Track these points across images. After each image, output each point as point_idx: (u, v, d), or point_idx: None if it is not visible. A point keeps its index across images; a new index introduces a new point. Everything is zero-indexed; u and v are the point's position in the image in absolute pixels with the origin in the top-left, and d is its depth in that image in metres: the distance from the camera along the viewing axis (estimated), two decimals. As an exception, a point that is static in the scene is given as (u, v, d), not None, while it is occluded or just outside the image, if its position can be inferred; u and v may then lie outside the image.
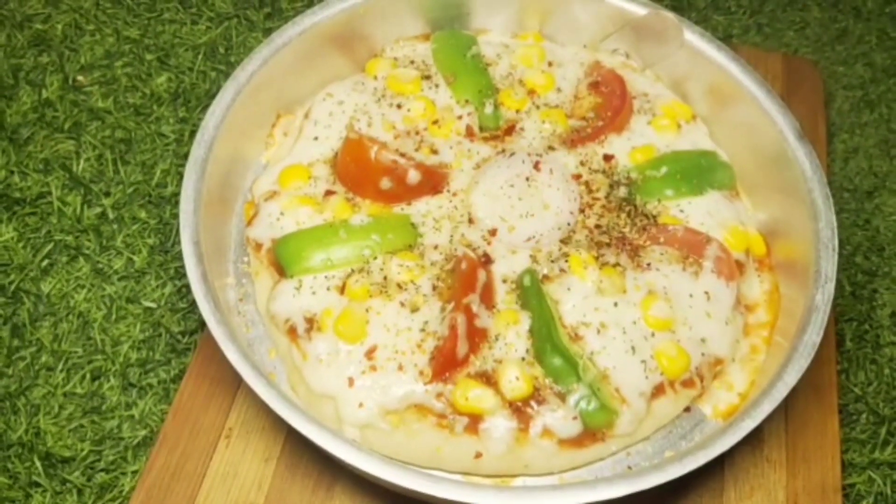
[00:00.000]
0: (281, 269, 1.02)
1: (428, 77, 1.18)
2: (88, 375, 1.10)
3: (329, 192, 1.07)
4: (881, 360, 1.19)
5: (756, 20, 1.54)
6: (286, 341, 0.98)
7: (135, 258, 1.18)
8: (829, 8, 1.57)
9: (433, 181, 1.07)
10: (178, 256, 0.96)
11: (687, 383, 0.98)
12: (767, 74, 1.38)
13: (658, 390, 0.96)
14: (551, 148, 1.13)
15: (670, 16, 1.17)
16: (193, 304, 0.93)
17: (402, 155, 1.07)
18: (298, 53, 1.14)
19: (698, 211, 1.09)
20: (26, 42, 1.38)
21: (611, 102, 1.16)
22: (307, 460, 1.02)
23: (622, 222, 1.07)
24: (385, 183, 1.05)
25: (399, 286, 0.99)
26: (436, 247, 1.03)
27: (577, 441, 0.94)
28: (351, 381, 0.94)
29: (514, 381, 0.93)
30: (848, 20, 1.55)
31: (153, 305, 1.15)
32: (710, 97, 1.19)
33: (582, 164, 1.12)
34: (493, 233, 1.04)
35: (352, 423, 0.93)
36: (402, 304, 0.98)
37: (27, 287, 1.16)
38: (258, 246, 1.04)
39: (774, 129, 1.10)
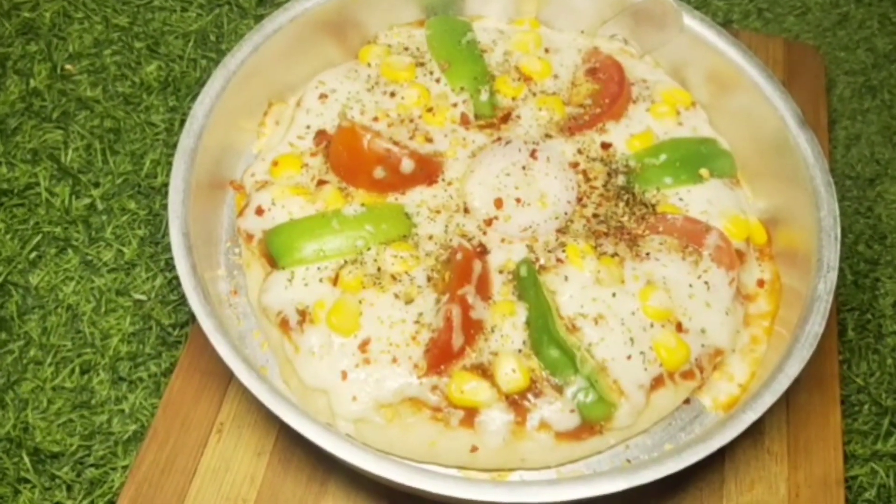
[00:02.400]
0: (273, 261, 1.00)
1: (422, 64, 1.17)
2: (77, 369, 1.08)
3: (321, 182, 1.05)
4: (884, 350, 1.17)
5: (756, 5, 1.52)
6: (278, 334, 0.97)
7: (124, 250, 1.17)
8: (830, -8, 1.55)
9: (427, 170, 1.06)
10: (169, 248, 0.95)
11: (686, 375, 0.97)
12: (768, 60, 1.36)
13: (657, 382, 0.95)
14: (548, 136, 1.11)
15: (669, 0, 1.15)
16: (184, 296, 0.92)
17: (396, 143, 1.05)
18: (290, 40, 1.12)
19: (698, 199, 1.07)
20: (14, 30, 1.36)
21: (609, 89, 1.15)
22: (300, 455, 1.00)
23: (620, 211, 1.06)
24: (378, 172, 1.03)
25: (393, 277, 0.98)
26: (430, 237, 1.02)
27: (575, 434, 0.93)
28: (344, 375, 0.92)
29: (511, 373, 0.92)
30: (849, 5, 1.54)
31: (143, 298, 1.14)
32: (710, 83, 1.17)
33: (579, 152, 1.10)
34: (488, 222, 1.03)
35: (345, 417, 0.92)
36: (397, 296, 0.97)
37: (15, 279, 1.14)
38: (249, 237, 1.03)
39: (775, 115, 1.08)
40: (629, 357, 0.94)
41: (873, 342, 1.18)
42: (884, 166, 1.35)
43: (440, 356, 0.92)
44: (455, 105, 1.13)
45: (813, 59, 1.40)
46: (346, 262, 0.99)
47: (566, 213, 1.04)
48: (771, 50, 1.39)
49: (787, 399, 1.06)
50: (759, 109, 1.10)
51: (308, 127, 1.10)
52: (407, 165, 1.03)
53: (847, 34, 1.50)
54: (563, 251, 1.00)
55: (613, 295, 0.98)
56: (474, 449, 0.92)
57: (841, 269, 1.04)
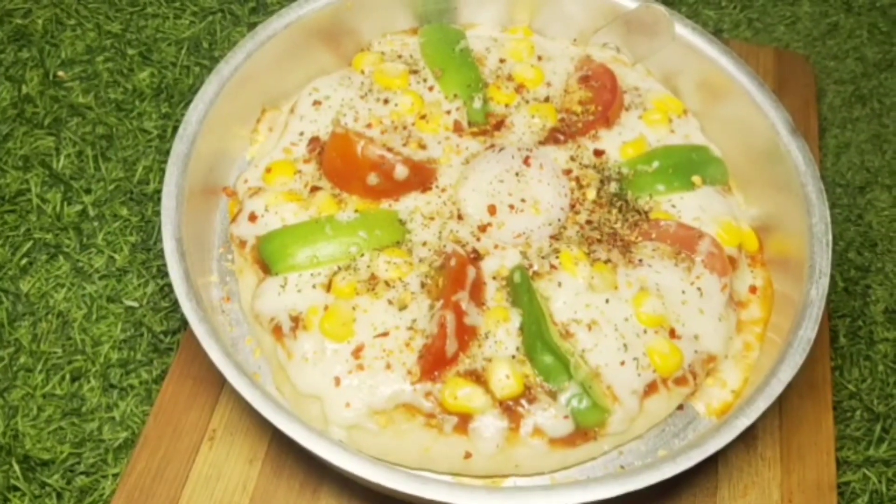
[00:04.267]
0: (266, 267, 1.00)
1: (416, 71, 1.17)
2: (68, 376, 1.07)
3: (315, 188, 1.05)
4: (875, 357, 1.18)
5: (746, 15, 1.53)
6: (271, 340, 0.96)
7: (116, 256, 1.16)
8: (819, 2, 1.56)
9: (421, 176, 1.06)
10: (161, 254, 0.95)
11: (680, 381, 0.97)
12: (758, 69, 1.37)
13: (651, 388, 0.95)
14: (541, 143, 1.11)
15: (661, 9, 1.16)
16: (176, 302, 0.91)
17: (390, 150, 1.05)
18: (284, 47, 1.12)
19: (690, 206, 1.08)
20: (6, 37, 1.36)
21: (601, 97, 1.15)
22: (293, 462, 1.00)
23: (613, 218, 1.06)
24: (372, 178, 1.03)
25: (387, 284, 0.98)
26: (424, 243, 1.02)
27: (569, 440, 0.92)
28: (338, 381, 0.92)
29: (505, 379, 0.91)
30: (839, 14, 1.55)
31: (135, 304, 1.13)
32: (701, 91, 1.17)
33: (572, 159, 1.11)
34: (482, 229, 1.03)
35: (339, 423, 0.91)
36: (390, 302, 0.96)
37: (5, 286, 1.13)
38: (242, 243, 1.03)
39: (767, 123, 1.09)
40: (623, 363, 0.94)
41: (865, 349, 1.18)
42: (874, 174, 1.36)
43: (434, 362, 0.92)
44: (448, 112, 1.13)
45: (803, 68, 1.41)
46: (339, 268, 0.99)
47: (559, 220, 1.04)
48: (761, 59, 1.40)
49: (780, 405, 1.06)
50: (751, 117, 1.10)
51: (301, 133, 1.10)
52: (400, 172, 1.03)
53: (837, 43, 1.51)
54: (557, 257, 1.01)
55: (607, 301, 0.98)
56: (468, 455, 0.91)
57: (832, 277, 1.04)
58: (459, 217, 1.04)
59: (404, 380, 0.92)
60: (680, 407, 0.99)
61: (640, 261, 1.02)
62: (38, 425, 1.04)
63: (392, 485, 0.83)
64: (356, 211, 1.03)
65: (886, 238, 1.29)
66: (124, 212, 1.20)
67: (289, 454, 1.00)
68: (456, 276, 0.96)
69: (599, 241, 1.03)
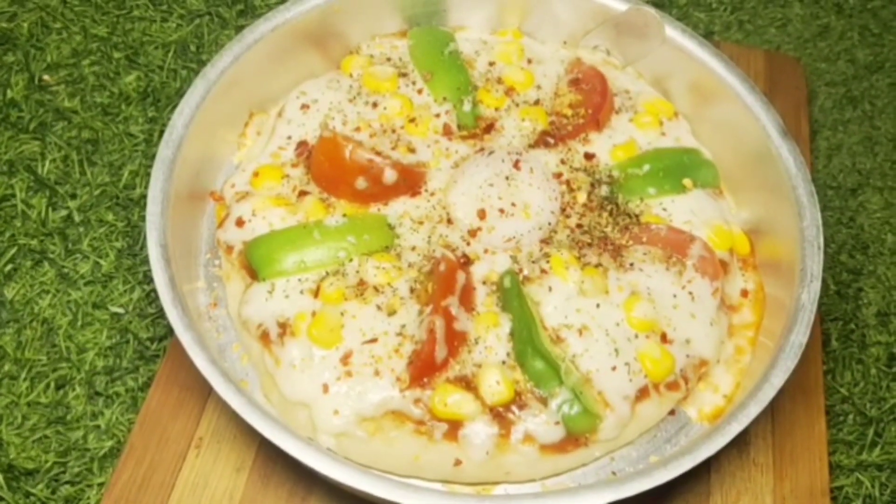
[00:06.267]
0: (253, 273, 0.99)
1: (405, 74, 1.16)
2: (53, 384, 1.06)
3: (303, 193, 1.04)
4: (867, 360, 1.17)
5: (737, 17, 1.53)
6: (258, 347, 0.95)
7: (102, 262, 1.15)
8: (810, 4, 1.56)
9: (410, 180, 1.05)
10: (147, 260, 0.94)
11: (671, 386, 0.96)
12: (749, 71, 1.36)
13: (642, 393, 0.94)
14: (531, 146, 1.11)
15: (651, 11, 1.15)
16: (162, 309, 0.90)
17: (378, 154, 1.04)
18: (271, 50, 1.11)
19: (681, 209, 1.07)
20: (-10, 41, 1.34)
21: (591, 100, 1.14)
22: (281, 470, 0.99)
23: (604, 222, 1.05)
24: (360, 182, 1.02)
25: (375, 289, 0.97)
26: (413, 248, 1.01)
27: (560, 447, 0.92)
28: (326, 388, 0.91)
29: (495, 385, 0.90)
30: (830, 16, 1.55)
31: (121, 311, 1.12)
32: (692, 94, 1.17)
33: (563, 162, 1.10)
34: (472, 233, 1.02)
35: (327, 431, 0.90)
36: (379, 308, 0.95)
37: (-11, 293, 1.12)
38: (229, 248, 1.02)
39: (758, 126, 1.08)
40: (614, 368, 0.94)
41: (857, 352, 1.18)
42: (865, 176, 1.36)
43: (423, 368, 0.91)
44: (438, 115, 1.12)
45: (794, 70, 1.41)
46: (327, 273, 0.98)
47: (550, 224, 1.03)
48: (752, 61, 1.40)
49: (773, 409, 1.06)
50: (742, 120, 1.10)
51: (289, 137, 1.09)
52: (389, 176, 1.02)
53: (828, 45, 1.51)
54: (547, 262, 1.00)
55: (598, 306, 0.97)
56: (458, 462, 0.90)
57: (824, 280, 1.04)
58: (449, 221, 1.03)
59: (393, 386, 0.91)
60: (671, 412, 0.98)
61: (631, 265, 1.01)
62: (23, 434, 1.03)
63: (380, 493, 0.82)
64: (344, 215, 1.02)
65: (878, 240, 1.29)
66: (110, 217, 1.19)
67: (276, 462, 0.99)
68: (445, 281, 0.95)
69: (590, 244, 1.03)
